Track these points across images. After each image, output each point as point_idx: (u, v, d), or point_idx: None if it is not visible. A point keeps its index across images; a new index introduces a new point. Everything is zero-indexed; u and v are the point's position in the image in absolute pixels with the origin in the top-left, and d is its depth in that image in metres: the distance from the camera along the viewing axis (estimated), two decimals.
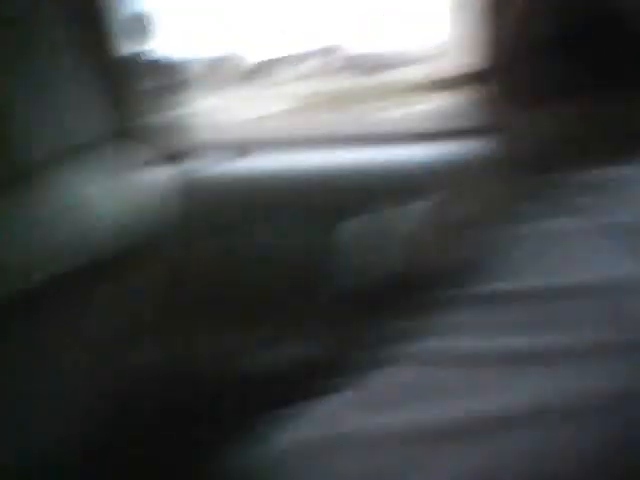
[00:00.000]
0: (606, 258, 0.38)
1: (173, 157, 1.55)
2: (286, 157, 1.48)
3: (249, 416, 0.44)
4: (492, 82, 0.53)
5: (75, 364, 0.99)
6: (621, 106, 0.46)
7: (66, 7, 1.16)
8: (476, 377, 0.36)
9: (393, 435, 0.35)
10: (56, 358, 0.99)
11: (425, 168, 1.28)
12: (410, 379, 0.37)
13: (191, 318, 1.28)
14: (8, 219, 0.94)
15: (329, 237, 1.21)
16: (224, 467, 0.44)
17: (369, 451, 0.35)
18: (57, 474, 0.88)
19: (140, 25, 1.41)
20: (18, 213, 0.97)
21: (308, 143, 1.45)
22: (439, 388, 0.36)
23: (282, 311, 1.31)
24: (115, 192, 1.14)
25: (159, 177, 1.14)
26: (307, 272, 1.36)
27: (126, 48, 1.36)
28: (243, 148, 1.52)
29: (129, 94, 1.45)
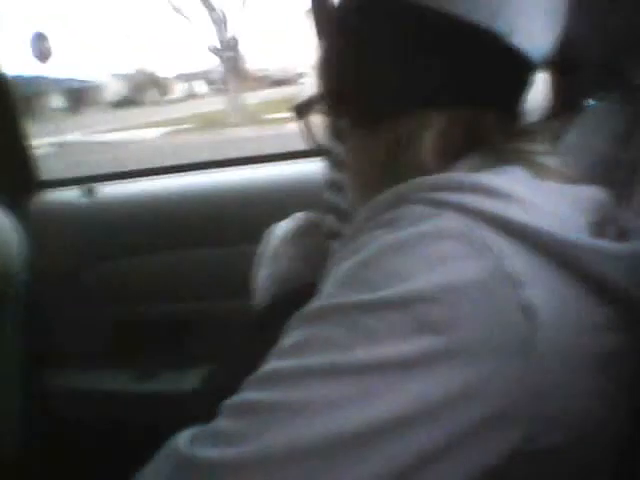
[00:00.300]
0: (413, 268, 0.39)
1: (45, 185, 1.54)
2: (158, 182, 1.53)
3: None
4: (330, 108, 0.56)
5: None
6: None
7: None
8: (352, 387, 0.36)
9: (294, 451, 0.35)
10: None
11: (287, 187, 1.34)
12: (282, 397, 0.37)
13: None
14: None
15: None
16: None
17: (273, 469, 0.34)
18: None
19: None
20: None
21: (178, 169, 1.51)
22: (317, 403, 0.36)
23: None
24: None
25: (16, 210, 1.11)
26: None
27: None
28: (107, 176, 1.54)
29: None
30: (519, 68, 0.47)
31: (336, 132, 0.54)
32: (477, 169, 0.46)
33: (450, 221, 0.41)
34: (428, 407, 0.36)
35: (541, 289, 0.39)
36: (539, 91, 0.48)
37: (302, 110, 0.56)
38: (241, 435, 0.36)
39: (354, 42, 0.50)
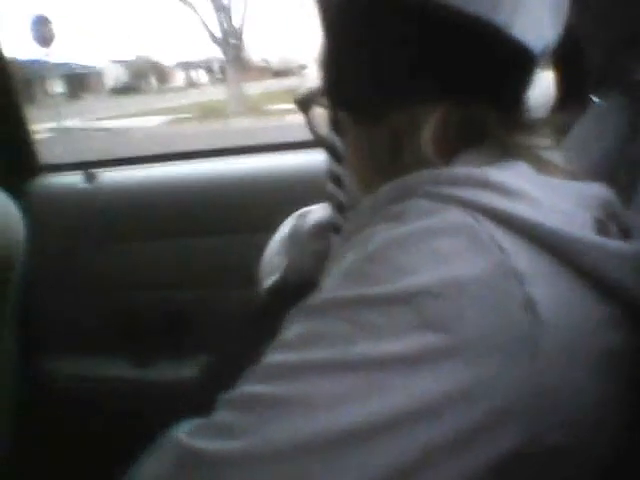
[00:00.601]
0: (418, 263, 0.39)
1: (46, 169, 1.55)
2: (159, 170, 1.52)
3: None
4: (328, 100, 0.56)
5: None
6: None
7: None
8: (353, 383, 0.36)
9: (296, 446, 0.34)
10: None
11: (288, 177, 1.34)
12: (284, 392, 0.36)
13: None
14: None
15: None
16: None
17: (274, 462, 0.34)
18: None
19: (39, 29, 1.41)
20: None
21: (179, 156, 1.50)
22: (319, 397, 0.36)
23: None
24: None
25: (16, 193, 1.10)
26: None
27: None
28: (108, 162, 1.54)
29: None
30: (520, 61, 0.46)
31: (336, 125, 0.54)
32: (481, 163, 0.45)
33: (456, 216, 0.40)
34: (431, 404, 0.35)
35: (546, 286, 0.39)
36: (543, 86, 0.48)
37: (304, 102, 0.56)
38: (242, 428, 0.36)
39: (353, 37, 0.49)
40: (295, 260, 0.76)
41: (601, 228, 0.45)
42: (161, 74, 18.50)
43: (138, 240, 1.46)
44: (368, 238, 0.41)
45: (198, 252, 1.43)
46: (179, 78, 18.62)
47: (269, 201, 1.30)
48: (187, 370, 1.36)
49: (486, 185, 0.42)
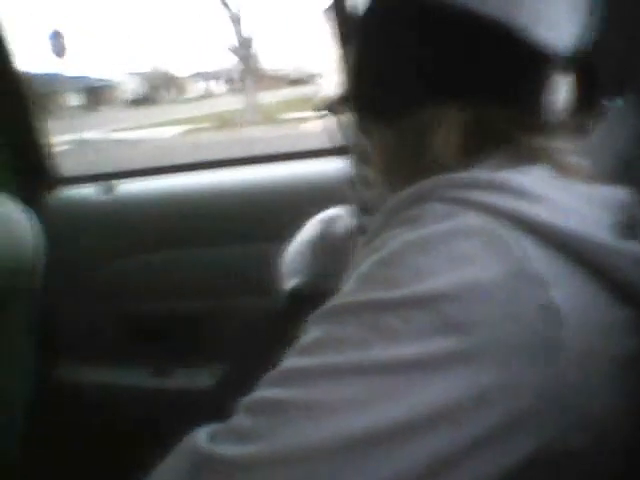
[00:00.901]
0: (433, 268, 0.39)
1: (63, 182, 1.56)
2: (175, 180, 1.54)
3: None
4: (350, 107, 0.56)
5: None
6: None
7: None
8: (371, 387, 0.35)
9: (314, 450, 0.34)
10: None
11: (305, 185, 1.34)
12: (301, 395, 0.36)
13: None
14: None
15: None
16: None
17: (291, 467, 0.34)
18: None
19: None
20: None
21: (195, 166, 1.51)
22: (336, 402, 0.35)
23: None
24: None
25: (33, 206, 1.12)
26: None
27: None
28: (125, 174, 1.55)
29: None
30: (539, 63, 0.46)
31: (362, 128, 0.54)
32: (502, 167, 0.45)
33: (474, 220, 0.40)
34: (448, 409, 0.35)
35: (564, 290, 0.38)
36: (563, 89, 0.47)
37: (327, 108, 0.56)
38: (259, 433, 0.36)
39: (374, 43, 0.50)
40: (326, 265, 0.76)
41: (621, 231, 0.44)
42: (176, 85, 18.73)
43: (155, 250, 1.47)
44: (385, 242, 0.42)
45: (214, 262, 1.43)
46: (194, 89, 18.82)
47: (285, 210, 1.29)
48: (203, 379, 1.37)
49: (506, 189, 0.42)
